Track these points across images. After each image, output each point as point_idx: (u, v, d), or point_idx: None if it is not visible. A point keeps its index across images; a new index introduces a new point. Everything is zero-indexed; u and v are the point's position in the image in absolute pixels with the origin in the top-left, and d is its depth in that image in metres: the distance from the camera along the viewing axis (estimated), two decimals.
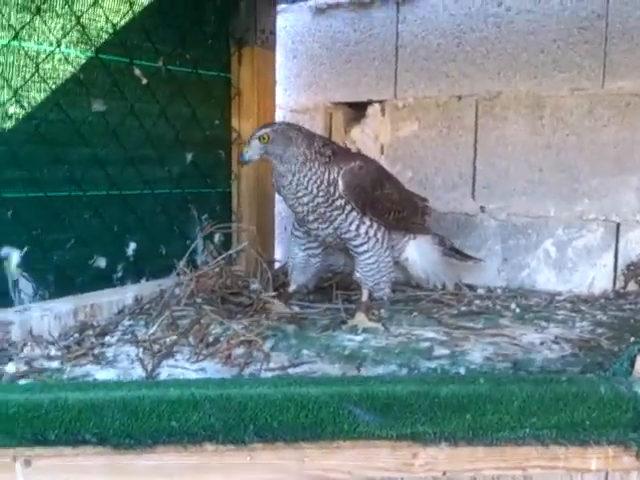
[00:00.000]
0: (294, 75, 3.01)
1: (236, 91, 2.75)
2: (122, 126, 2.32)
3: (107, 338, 1.93)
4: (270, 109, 2.84)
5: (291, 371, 1.71)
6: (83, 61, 2.17)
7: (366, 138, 2.87)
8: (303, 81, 2.98)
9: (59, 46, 2.09)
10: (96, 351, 1.82)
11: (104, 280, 2.29)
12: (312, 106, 2.97)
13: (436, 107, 2.70)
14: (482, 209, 2.64)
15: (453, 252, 2.44)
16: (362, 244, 2.10)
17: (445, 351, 1.83)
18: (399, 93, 2.77)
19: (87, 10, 2.16)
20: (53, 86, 2.10)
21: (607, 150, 2.42)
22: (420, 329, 2.03)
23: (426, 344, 1.89)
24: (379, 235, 2.11)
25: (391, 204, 2.14)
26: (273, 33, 2.82)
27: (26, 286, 2.06)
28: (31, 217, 2.05)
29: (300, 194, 2.03)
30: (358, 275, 2.14)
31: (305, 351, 1.84)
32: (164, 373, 1.68)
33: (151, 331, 1.90)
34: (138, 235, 2.41)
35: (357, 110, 2.92)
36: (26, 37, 2.01)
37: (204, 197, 2.68)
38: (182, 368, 1.71)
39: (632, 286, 2.41)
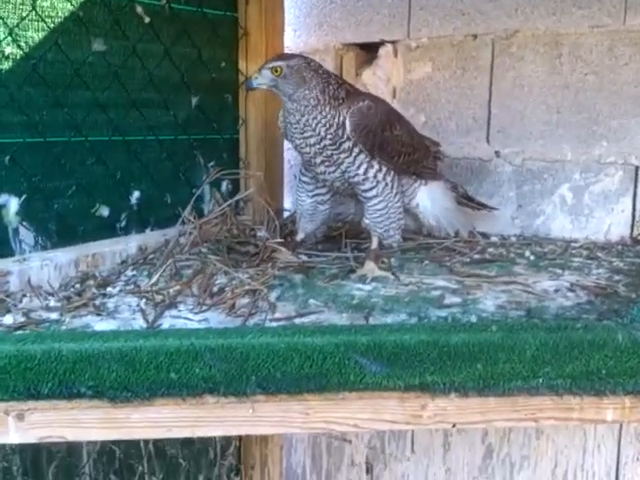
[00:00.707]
0: (304, 15, 2.89)
1: (243, 31, 2.65)
2: (124, 67, 2.23)
3: (109, 289, 1.88)
4: (279, 51, 2.73)
5: (297, 321, 1.66)
6: None
7: (378, 81, 2.77)
8: (313, 21, 2.87)
9: None
10: (97, 302, 1.77)
11: (107, 229, 2.24)
12: (322, 47, 2.86)
13: (450, 47, 2.59)
14: (497, 154, 2.55)
15: (466, 200, 2.36)
16: (371, 189, 2.03)
17: (456, 299, 1.77)
18: (412, 32, 2.66)
19: None
20: (51, 25, 2.01)
21: (627, 90, 2.31)
22: (431, 277, 1.96)
23: (437, 292, 1.82)
24: (388, 179, 2.04)
25: (401, 147, 2.06)
26: None
27: (27, 236, 2.00)
28: (30, 163, 1.99)
29: (307, 134, 1.96)
30: (367, 221, 2.08)
31: (312, 301, 1.78)
32: (166, 324, 1.63)
33: (153, 281, 1.85)
34: (142, 183, 2.34)
35: (369, 52, 2.82)
36: None
37: (211, 143, 2.60)
38: (185, 319, 1.66)
39: None
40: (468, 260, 2.16)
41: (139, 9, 2.27)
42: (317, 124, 1.94)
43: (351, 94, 2.01)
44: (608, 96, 2.34)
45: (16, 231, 1.98)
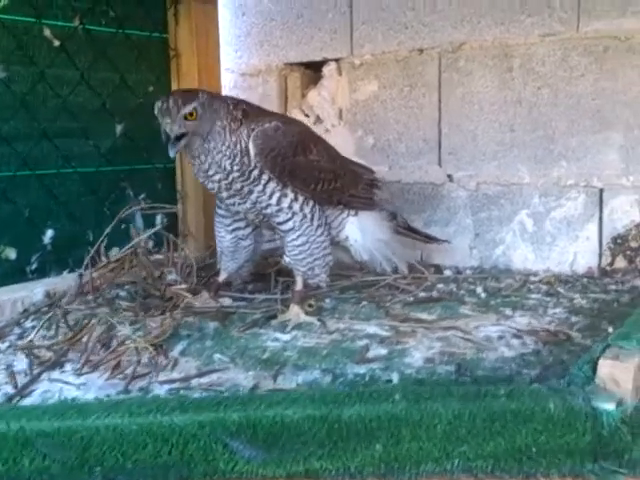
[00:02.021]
0: (244, 34, 2.68)
1: (174, 53, 2.45)
2: (32, 95, 2.04)
3: None
4: (213, 71, 2.53)
5: (195, 382, 1.43)
6: None
7: (323, 102, 2.55)
8: (253, 40, 2.66)
9: None
10: None
11: (15, 274, 2.03)
12: (264, 68, 2.65)
13: (396, 63, 2.37)
14: (450, 178, 2.32)
15: (408, 231, 2.10)
16: (286, 220, 1.77)
17: (382, 351, 1.53)
18: (355, 49, 2.44)
19: None
20: None
21: (585, 103, 2.09)
22: (363, 323, 1.73)
23: (362, 343, 1.59)
24: (307, 210, 1.78)
25: (319, 173, 1.80)
26: None
27: None
28: None
29: (211, 172, 1.70)
30: (287, 260, 1.82)
31: (218, 355, 1.56)
32: (40, 389, 1.41)
33: (31, 337, 1.62)
34: (58, 221, 2.14)
35: (314, 71, 2.61)
36: None
37: (141, 174, 2.40)
38: (64, 382, 1.44)
39: (620, 262, 2.08)
40: (412, 299, 1.94)
41: (47, 32, 2.08)
42: (222, 157, 1.68)
43: (251, 114, 1.75)
44: (564, 111, 2.11)
45: None
